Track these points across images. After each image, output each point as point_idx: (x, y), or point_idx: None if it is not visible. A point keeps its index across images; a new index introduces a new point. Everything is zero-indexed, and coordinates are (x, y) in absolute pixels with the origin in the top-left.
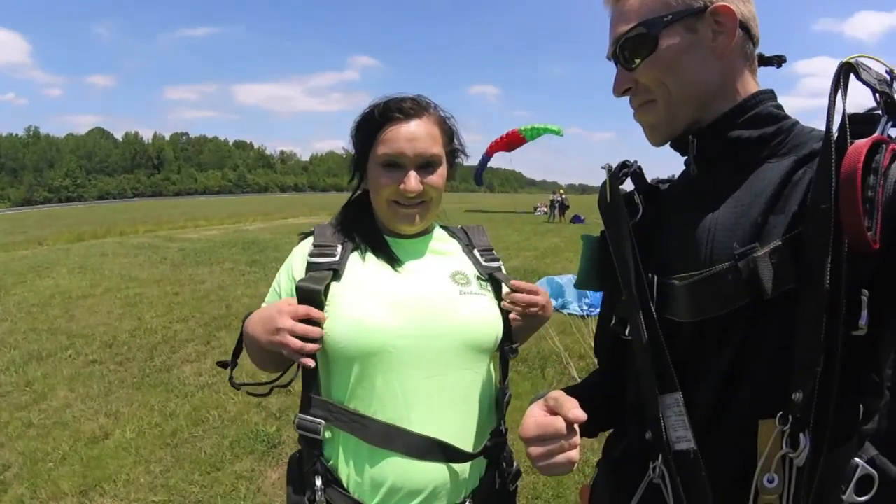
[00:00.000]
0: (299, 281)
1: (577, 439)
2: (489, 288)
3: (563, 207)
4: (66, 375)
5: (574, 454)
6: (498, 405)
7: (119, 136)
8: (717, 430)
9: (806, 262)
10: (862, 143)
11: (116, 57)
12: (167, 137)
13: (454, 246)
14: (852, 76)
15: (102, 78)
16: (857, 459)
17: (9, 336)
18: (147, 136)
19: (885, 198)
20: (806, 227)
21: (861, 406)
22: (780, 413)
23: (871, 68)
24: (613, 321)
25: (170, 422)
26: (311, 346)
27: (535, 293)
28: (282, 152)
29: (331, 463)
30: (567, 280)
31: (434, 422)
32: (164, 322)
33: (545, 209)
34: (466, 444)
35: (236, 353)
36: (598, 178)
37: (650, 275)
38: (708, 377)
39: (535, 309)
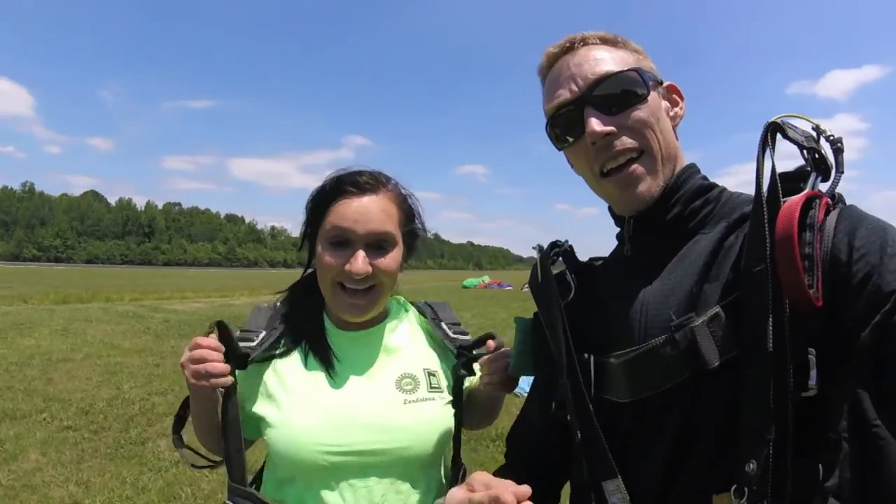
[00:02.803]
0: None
1: None
2: (443, 383)
3: None
4: (39, 438)
5: None
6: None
7: (113, 200)
8: None
9: (746, 327)
10: (795, 200)
11: (118, 121)
12: (160, 206)
13: (411, 331)
14: (780, 135)
15: (102, 141)
16: None
17: None
18: (140, 203)
19: (823, 252)
20: (742, 290)
21: (820, 466)
22: (735, 486)
23: (796, 126)
24: (553, 406)
25: (141, 496)
26: (215, 370)
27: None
28: (272, 227)
29: None
30: None
31: None
32: (142, 393)
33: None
34: None
35: (180, 416)
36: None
37: (586, 355)
38: (652, 455)
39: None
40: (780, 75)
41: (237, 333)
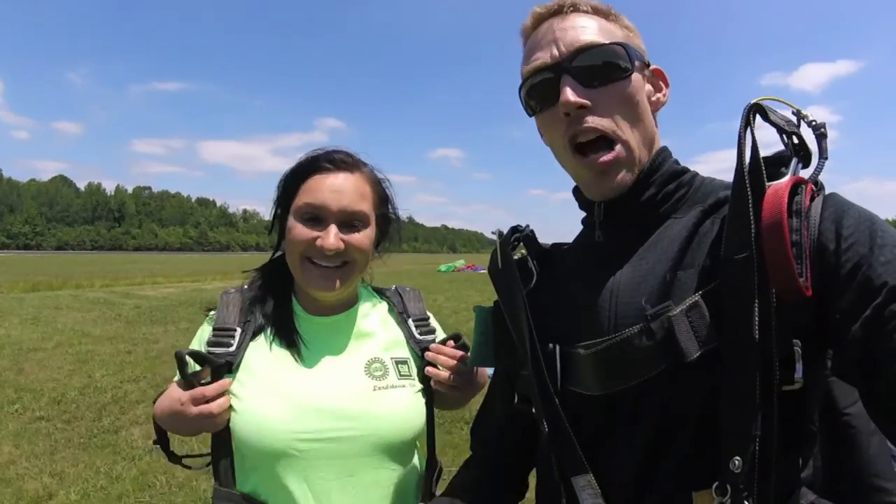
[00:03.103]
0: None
1: None
2: (413, 372)
3: None
4: (12, 430)
5: None
6: (425, 489)
7: (82, 185)
8: None
9: (729, 317)
10: (783, 184)
11: (86, 105)
12: (130, 191)
13: (380, 320)
14: (759, 118)
15: (70, 125)
16: None
17: None
18: (110, 187)
19: (810, 240)
20: (724, 278)
21: (800, 459)
22: (717, 483)
23: (776, 111)
24: (516, 399)
25: (116, 485)
26: (217, 415)
27: (454, 358)
28: (244, 211)
29: None
30: None
31: None
32: (114, 381)
33: None
34: None
35: (161, 433)
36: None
37: (551, 345)
38: (625, 451)
39: (451, 382)
40: (754, 67)
41: (211, 336)
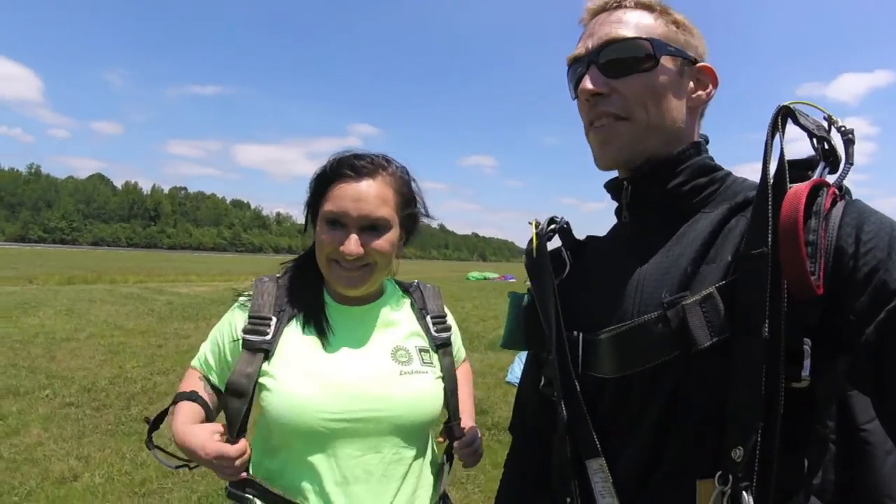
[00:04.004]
0: (231, 375)
1: None
2: (434, 360)
3: None
4: (42, 414)
5: None
6: (437, 477)
7: (119, 184)
8: (647, 492)
9: (741, 311)
10: (802, 186)
11: (124, 105)
12: (166, 191)
13: (404, 312)
14: (790, 121)
15: (109, 125)
16: None
17: None
18: (146, 186)
19: (827, 242)
20: (740, 273)
21: (805, 460)
22: (720, 472)
23: (807, 115)
24: (542, 383)
25: (140, 471)
26: (236, 473)
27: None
28: (278, 214)
29: None
30: None
31: (371, 498)
32: (144, 373)
33: None
34: None
35: (159, 418)
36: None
37: (575, 332)
38: (635, 436)
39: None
40: (791, 77)
41: (247, 324)
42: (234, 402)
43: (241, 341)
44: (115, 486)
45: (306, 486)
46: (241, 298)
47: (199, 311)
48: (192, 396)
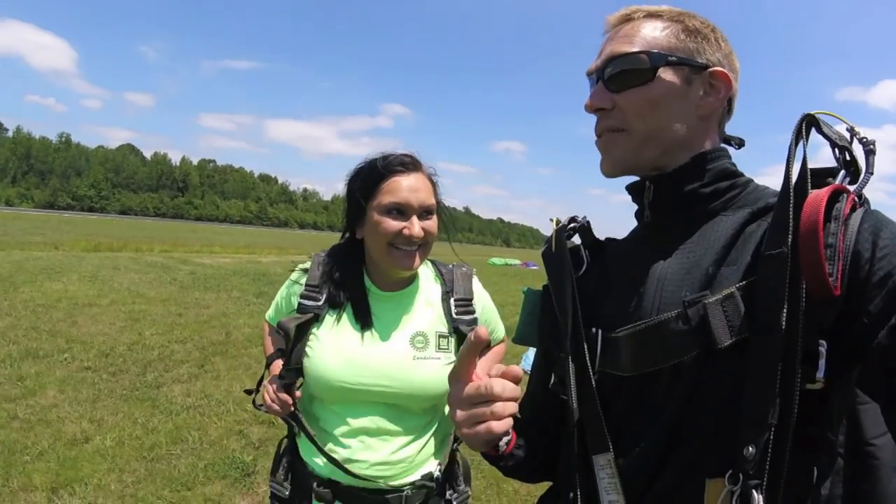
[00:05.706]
0: (283, 320)
1: (503, 410)
2: (451, 345)
3: None
4: (59, 377)
5: (496, 425)
6: (443, 442)
7: (148, 154)
8: (654, 491)
9: (760, 310)
10: (823, 191)
11: (158, 77)
12: (194, 162)
13: (433, 296)
14: (814, 130)
15: (141, 96)
16: None
17: (10, 331)
18: (175, 158)
19: (845, 246)
20: (760, 272)
21: (815, 468)
22: (730, 471)
23: (831, 125)
24: (553, 380)
25: (150, 436)
26: (281, 409)
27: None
28: (305, 190)
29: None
30: None
31: (380, 444)
32: (162, 340)
33: None
34: (412, 466)
35: (260, 381)
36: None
37: (594, 329)
38: (648, 434)
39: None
40: (831, 79)
41: (304, 290)
42: (280, 340)
43: (297, 306)
44: (125, 450)
45: (330, 428)
46: (300, 266)
47: (220, 283)
48: (278, 355)
